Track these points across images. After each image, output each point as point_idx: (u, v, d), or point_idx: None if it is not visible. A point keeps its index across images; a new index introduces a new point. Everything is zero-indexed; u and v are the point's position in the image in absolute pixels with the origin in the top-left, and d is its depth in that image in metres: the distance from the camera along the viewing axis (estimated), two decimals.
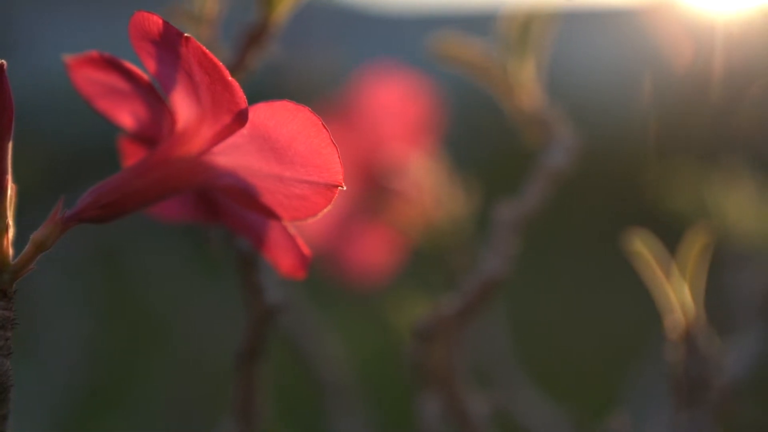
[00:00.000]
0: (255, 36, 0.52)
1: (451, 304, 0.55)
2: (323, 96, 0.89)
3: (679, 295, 0.39)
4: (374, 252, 0.80)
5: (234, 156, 0.44)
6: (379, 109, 0.79)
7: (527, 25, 0.56)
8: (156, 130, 0.47)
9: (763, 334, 0.59)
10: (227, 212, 0.48)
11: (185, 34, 0.41)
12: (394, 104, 0.78)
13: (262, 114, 0.42)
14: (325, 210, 0.44)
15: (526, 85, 0.57)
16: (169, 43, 0.42)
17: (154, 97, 0.45)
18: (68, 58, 0.45)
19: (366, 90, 0.79)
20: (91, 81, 0.46)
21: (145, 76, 0.44)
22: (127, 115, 0.47)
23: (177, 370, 1.44)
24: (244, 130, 0.43)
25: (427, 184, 0.74)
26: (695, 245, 0.39)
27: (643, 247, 0.39)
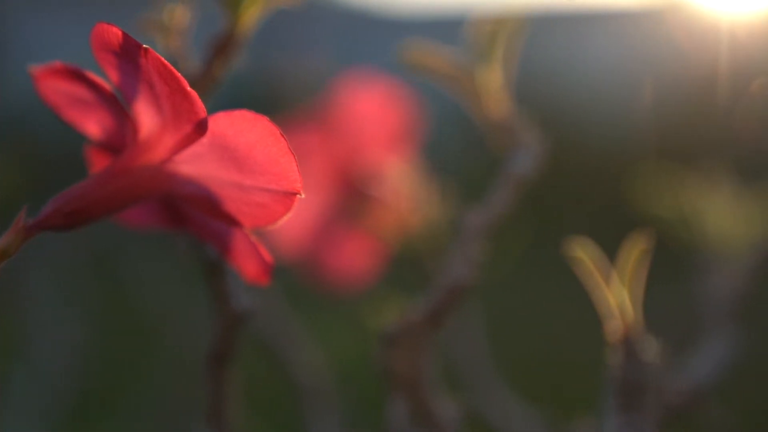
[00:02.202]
0: (222, 45, 0.52)
1: (419, 309, 0.56)
2: (312, 100, 0.90)
3: (618, 300, 0.39)
4: (354, 257, 0.80)
5: (195, 165, 0.45)
6: (358, 115, 0.79)
7: (494, 31, 0.56)
8: (121, 139, 0.47)
9: (731, 338, 0.60)
10: (192, 220, 0.49)
11: (144, 46, 0.41)
12: (373, 110, 0.79)
13: (222, 123, 0.43)
14: (285, 217, 0.45)
15: (494, 92, 0.57)
16: (129, 54, 0.43)
17: (118, 107, 0.46)
18: (34, 68, 0.46)
19: (345, 96, 0.80)
20: (57, 91, 0.47)
21: (109, 87, 0.45)
22: (93, 125, 0.48)
23: (169, 374, 1.45)
24: (205, 140, 0.44)
25: (405, 190, 0.74)
26: (635, 250, 0.40)
27: (583, 253, 0.40)
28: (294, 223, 0.79)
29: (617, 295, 0.39)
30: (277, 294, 0.75)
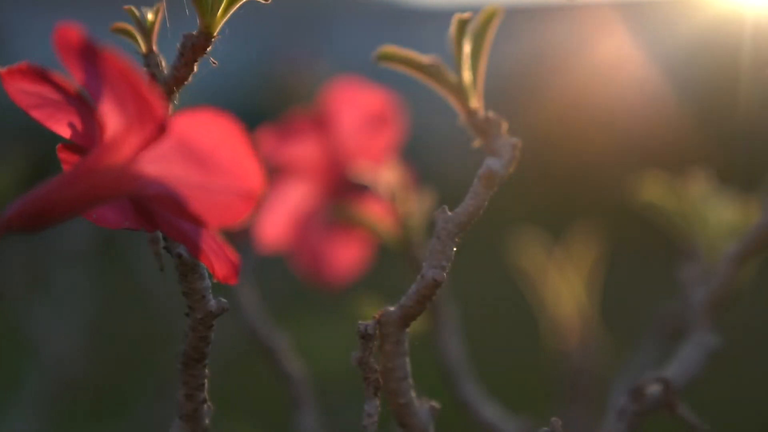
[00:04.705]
0: (195, 47, 0.53)
1: (395, 306, 0.56)
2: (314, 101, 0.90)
3: (575, 296, 0.39)
4: (342, 255, 0.81)
5: (160, 165, 0.45)
6: (347, 117, 0.80)
7: (465, 24, 0.56)
8: (90, 139, 0.48)
9: (704, 340, 0.59)
10: (162, 219, 0.49)
11: (104, 48, 0.42)
12: (362, 114, 0.79)
13: (185, 124, 0.44)
14: (248, 216, 0.45)
15: (473, 88, 0.57)
16: (91, 56, 0.43)
17: (85, 108, 0.46)
18: (0, 69, 0.46)
19: (336, 99, 0.80)
20: (25, 92, 0.47)
21: (74, 88, 0.46)
22: (62, 125, 0.49)
23: (173, 367, 1.44)
24: (169, 140, 0.44)
25: (392, 190, 0.74)
26: (593, 248, 0.40)
27: (536, 249, 0.40)
28: (283, 221, 0.80)
29: (574, 291, 0.38)
30: (271, 290, 0.75)
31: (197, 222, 0.46)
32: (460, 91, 0.57)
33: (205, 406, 0.56)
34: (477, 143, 0.58)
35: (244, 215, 0.45)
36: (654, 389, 0.57)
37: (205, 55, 0.53)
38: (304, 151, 0.81)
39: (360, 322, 0.57)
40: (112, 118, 0.45)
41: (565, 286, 0.41)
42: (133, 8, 0.54)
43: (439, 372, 0.70)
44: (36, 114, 0.48)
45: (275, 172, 0.81)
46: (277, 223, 0.78)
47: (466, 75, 0.56)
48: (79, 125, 0.48)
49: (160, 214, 0.48)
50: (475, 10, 0.58)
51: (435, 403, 0.57)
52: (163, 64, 0.53)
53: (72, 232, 1.56)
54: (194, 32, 0.53)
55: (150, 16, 0.54)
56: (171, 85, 0.53)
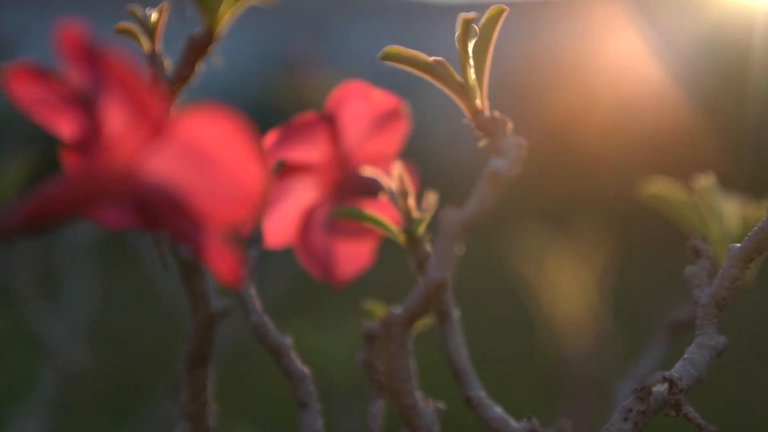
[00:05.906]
0: (199, 47, 0.53)
1: (400, 307, 0.56)
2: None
3: (582, 296, 0.39)
4: (349, 252, 0.80)
5: (161, 165, 0.45)
6: (354, 117, 0.79)
7: (469, 23, 0.56)
8: (92, 140, 0.47)
9: (710, 340, 0.59)
10: (164, 220, 0.49)
11: (104, 47, 0.41)
12: (369, 114, 0.79)
13: (188, 124, 0.43)
14: (251, 215, 0.45)
15: (477, 87, 0.57)
16: (93, 56, 0.43)
17: (86, 108, 0.46)
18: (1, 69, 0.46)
19: (344, 99, 0.80)
20: (27, 92, 0.47)
21: (75, 88, 0.45)
22: (64, 126, 0.48)
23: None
24: (170, 139, 0.44)
25: (399, 190, 0.74)
26: (600, 248, 0.40)
27: (543, 249, 0.40)
28: (289, 219, 0.79)
29: (579, 290, 0.38)
30: (265, 292, 0.75)
31: (200, 222, 0.45)
32: (465, 90, 0.57)
33: (209, 406, 0.56)
34: (482, 143, 0.57)
35: (246, 214, 0.45)
36: (659, 389, 0.57)
37: (211, 55, 0.53)
38: (311, 150, 0.81)
39: (364, 323, 0.57)
40: (113, 118, 0.45)
41: (572, 286, 0.41)
42: (136, 8, 0.54)
43: (443, 372, 0.70)
44: (36, 114, 0.48)
45: (282, 171, 0.80)
46: (283, 220, 0.78)
47: (471, 74, 0.56)
48: (80, 125, 0.48)
49: (161, 214, 0.48)
50: (485, 6, 0.58)
51: (440, 404, 0.57)
52: (167, 63, 0.53)
53: (79, 228, 1.56)
54: (198, 32, 0.53)
55: (153, 16, 0.54)
56: (174, 84, 0.53)
